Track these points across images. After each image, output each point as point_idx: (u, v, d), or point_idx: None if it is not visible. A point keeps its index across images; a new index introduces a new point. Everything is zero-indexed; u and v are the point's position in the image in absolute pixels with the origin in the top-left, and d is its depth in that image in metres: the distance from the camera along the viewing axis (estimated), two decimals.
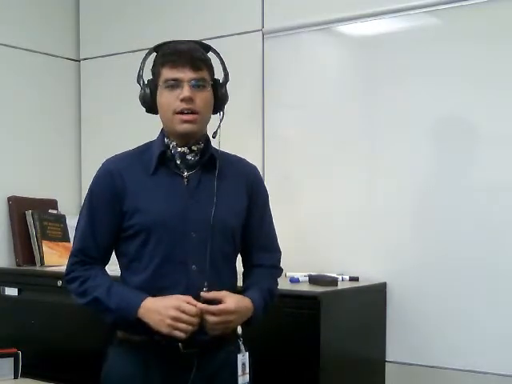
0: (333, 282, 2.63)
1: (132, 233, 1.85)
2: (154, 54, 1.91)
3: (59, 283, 3.01)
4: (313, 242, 2.98)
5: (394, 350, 2.78)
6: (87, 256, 1.89)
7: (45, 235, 3.44)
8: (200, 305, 1.75)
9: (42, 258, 3.39)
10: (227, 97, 1.92)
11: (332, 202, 2.94)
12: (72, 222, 3.61)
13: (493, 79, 2.59)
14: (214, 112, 1.91)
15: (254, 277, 1.96)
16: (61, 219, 3.54)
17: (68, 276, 1.90)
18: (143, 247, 1.84)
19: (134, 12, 3.58)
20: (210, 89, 1.85)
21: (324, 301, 2.42)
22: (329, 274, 2.73)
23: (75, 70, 3.80)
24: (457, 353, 2.64)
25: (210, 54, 1.93)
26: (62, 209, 3.63)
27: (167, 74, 1.81)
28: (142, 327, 1.78)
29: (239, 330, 1.92)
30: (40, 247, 3.40)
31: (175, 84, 1.80)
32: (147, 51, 1.92)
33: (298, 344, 2.41)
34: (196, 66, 1.81)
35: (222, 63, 1.94)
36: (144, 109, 1.93)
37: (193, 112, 1.81)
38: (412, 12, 2.76)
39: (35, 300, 3.13)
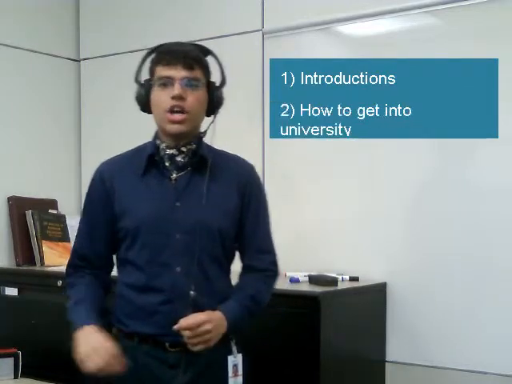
0: (333, 281, 2.63)
1: (121, 235, 1.86)
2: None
3: (59, 283, 3.00)
4: (313, 242, 2.98)
5: (394, 350, 2.78)
6: (82, 259, 1.93)
7: (45, 235, 3.44)
8: (178, 326, 1.73)
9: (41, 258, 3.38)
10: (222, 100, 1.90)
11: (332, 202, 2.94)
12: (72, 222, 3.60)
13: None
14: (208, 114, 1.89)
15: (241, 282, 1.93)
16: (61, 219, 3.54)
17: (65, 280, 1.97)
18: (130, 249, 1.85)
19: (134, 12, 3.58)
20: (203, 89, 1.84)
21: (324, 301, 2.42)
22: (329, 274, 2.73)
23: (75, 70, 3.79)
24: (457, 353, 2.64)
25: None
26: (62, 209, 3.62)
27: (160, 71, 1.81)
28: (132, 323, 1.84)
29: None
30: (40, 247, 3.40)
31: (168, 82, 1.80)
32: (147, 51, 1.91)
33: (298, 344, 2.41)
34: (189, 65, 1.80)
35: (221, 67, 1.92)
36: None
37: (183, 111, 1.80)
38: (412, 12, 2.76)
39: (35, 300, 3.13)
